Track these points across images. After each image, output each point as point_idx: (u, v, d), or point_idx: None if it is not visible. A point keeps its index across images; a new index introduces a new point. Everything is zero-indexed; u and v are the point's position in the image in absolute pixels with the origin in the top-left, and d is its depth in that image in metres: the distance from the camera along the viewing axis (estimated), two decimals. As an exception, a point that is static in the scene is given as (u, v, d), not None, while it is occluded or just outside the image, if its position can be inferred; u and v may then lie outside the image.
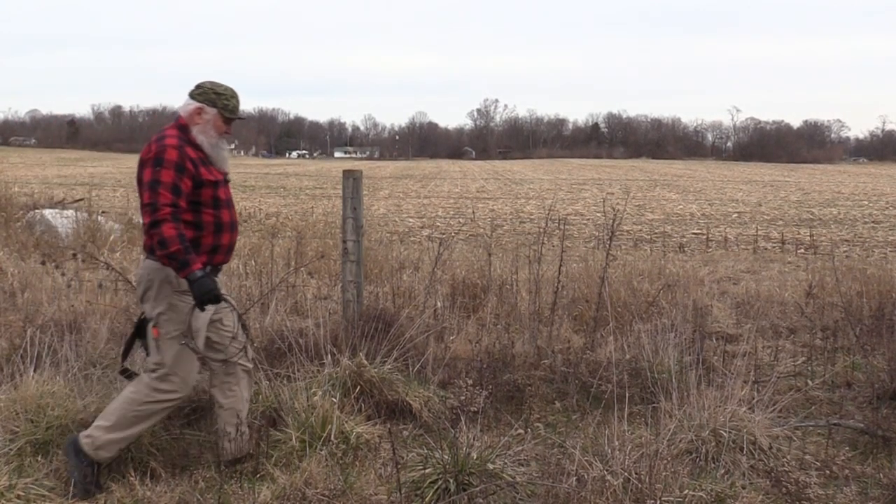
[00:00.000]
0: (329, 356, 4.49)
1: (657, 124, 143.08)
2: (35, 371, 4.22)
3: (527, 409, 4.57)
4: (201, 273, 3.37)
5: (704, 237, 16.04)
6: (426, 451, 3.62)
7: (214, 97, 3.63)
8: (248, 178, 42.61)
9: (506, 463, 3.58)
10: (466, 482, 3.36)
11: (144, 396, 3.54)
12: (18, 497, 3.26)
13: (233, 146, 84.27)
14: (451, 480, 3.35)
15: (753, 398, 4.12)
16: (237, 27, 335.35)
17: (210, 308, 3.52)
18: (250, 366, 3.92)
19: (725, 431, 3.79)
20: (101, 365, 4.46)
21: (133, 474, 3.47)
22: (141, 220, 3.82)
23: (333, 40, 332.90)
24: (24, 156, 74.66)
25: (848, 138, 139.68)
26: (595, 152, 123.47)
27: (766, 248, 14.79)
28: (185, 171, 3.45)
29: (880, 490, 3.57)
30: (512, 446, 3.84)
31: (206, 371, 3.86)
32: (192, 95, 3.64)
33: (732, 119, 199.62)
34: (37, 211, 12.26)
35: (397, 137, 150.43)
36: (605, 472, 3.21)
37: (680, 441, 3.75)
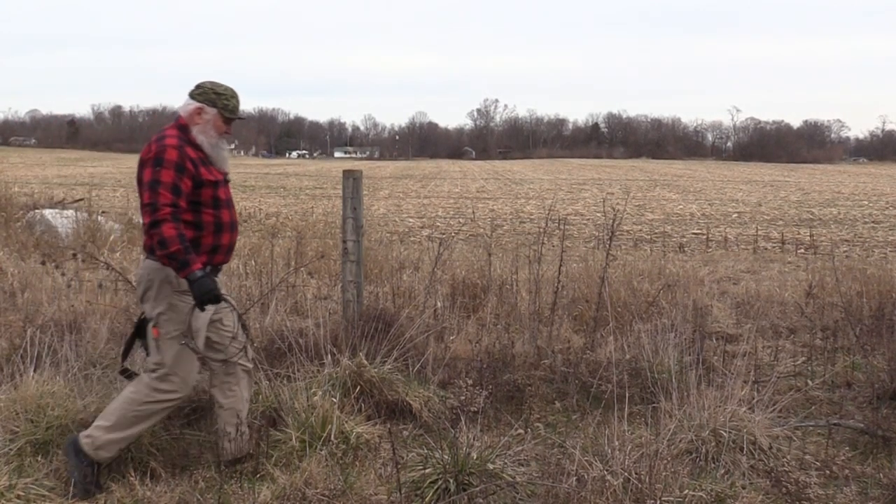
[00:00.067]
0: (329, 356, 4.49)
1: (657, 124, 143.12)
2: (35, 371, 4.22)
3: (527, 409, 4.57)
4: (201, 273, 3.37)
5: (704, 237, 16.04)
6: (426, 451, 3.62)
7: (214, 97, 3.63)
8: (248, 178, 42.62)
9: (506, 463, 3.58)
10: (466, 482, 3.36)
11: (144, 396, 3.54)
12: (18, 497, 3.26)
13: (233, 146, 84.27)
14: (451, 480, 3.36)
15: (753, 398, 4.12)
16: (237, 27, 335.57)
17: (210, 308, 3.52)
18: (250, 366, 3.91)
19: (725, 431, 3.79)
20: (101, 365, 4.46)
21: (133, 474, 3.47)
22: (141, 220, 3.82)
23: (333, 40, 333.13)
24: (24, 156, 74.67)
25: (848, 138, 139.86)
26: (595, 152, 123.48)
27: (766, 248, 14.79)
28: (185, 171, 3.45)
29: (880, 490, 3.57)
30: (512, 446, 3.84)
31: (206, 371, 3.86)
32: (192, 95, 3.64)
33: (732, 119, 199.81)
34: (37, 211, 12.26)
35: (397, 137, 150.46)
36: (605, 472, 3.21)
37: (680, 441, 3.75)
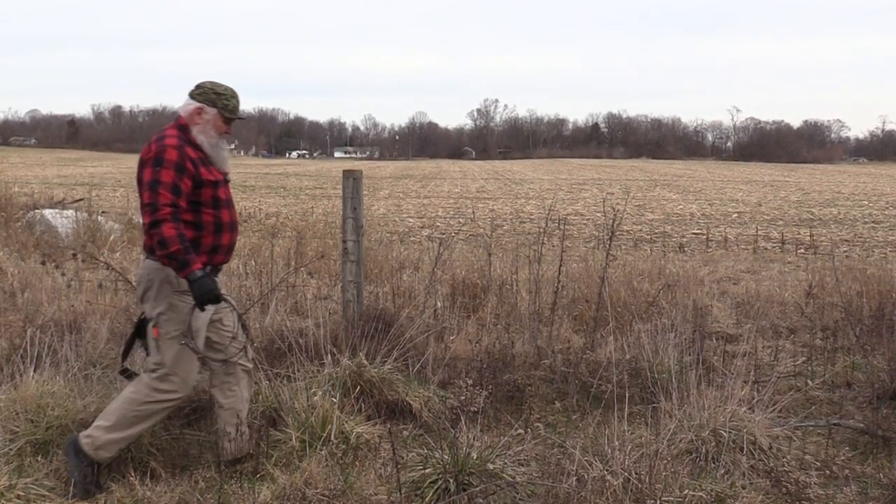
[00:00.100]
0: (329, 356, 4.49)
1: (657, 124, 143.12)
2: (35, 371, 4.22)
3: (527, 409, 4.57)
4: (201, 273, 3.37)
5: (704, 237, 16.04)
6: (426, 451, 3.62)
7: (214, 97, 3.63)
8: (248, 178, 42.62)
9: (506, 463, 3.58)
10: (466, 482, 3.36)
11: (144, 396, 3.54)
12: (18, 497, 3.26)
13: (233, 146, 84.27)
14: (451, 480, 3.36)
15: (753, 398, 4.12)
16: (237, 27, 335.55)
17: (210, 308, 3.52)
18: (250, 366, 3.92)
19: (725, 431, 3.79)
20: (101, 365, 4.46)
21: (133, 474, 3.47)
22: (141, 220, 3.82)
23: (333, 40, 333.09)
24: (24, 156, 74.67)
25: (848, 138, 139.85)
26: (595, 152, 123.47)
27: (766, 248, 14.79)
28: (185, 171, 3.45)
29: (880, 490, 3.57)
30: (512, 446, 3.84)
31: (206, 371, 3.86)
32: (192, 95, 3.64)
33: (732, 119, 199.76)
34: (37, 211, 12.26)
35: (397, 137, 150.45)
36: (605, 472, 3.21)
37: (680, 441, 3.75)
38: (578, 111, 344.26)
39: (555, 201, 22.80)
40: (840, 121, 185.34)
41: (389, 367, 4.50)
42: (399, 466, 3.45)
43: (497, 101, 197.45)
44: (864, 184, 43.75)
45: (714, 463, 3.68)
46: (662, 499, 3.17)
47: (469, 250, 9.62)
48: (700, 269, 9.46)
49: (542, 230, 6.27)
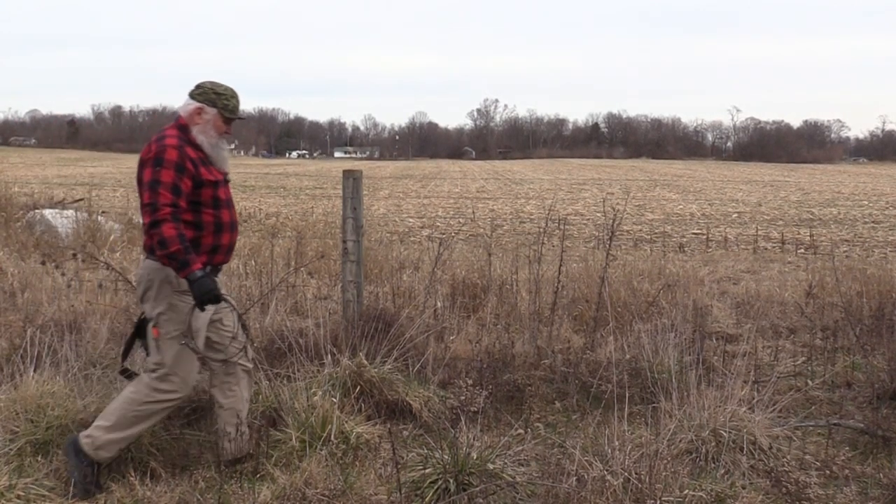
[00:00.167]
0: (329, 356, 4.49)
1: (657, 124, 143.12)
2: (35, 371, 4.22)
3: (527, 409, 4.57)
4: (201, 273, 3.37)
5: (704, 237, 16.04)
6: (426, 451, 3.62)
7: (214, 97, 3.63)
8: (248, 178, 42.62)
9: (506, 463, 3.58)
10: (466, 482, 3.36)
11: (144, 396, 3.54)
12: (18, 497, 3.26)
13: (233, 146, 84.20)
14: (451, 480, 3.35)
15: (753, 398, 4.12)
16: (237, 27, 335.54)
17: (210, 308, 3.52)
18: (250, 366, 3.92)
19: (725, 431, 3.79)
20: (101, 365, 4.46)
21: (133, 474, 3.47)
22: (141, 220, 3.82)
23: (333, 40, 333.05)
24: (24, 156, 74.66)
25: (848, 138, 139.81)
26: (595, 152, 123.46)
27: (766, 248, 14.79)
28: (185, 171, 3.45)
29: (880, 490, 3.57)
30: (512, 446, 3.84)
31: (206, 371, 3.86)
32: (192, 95, 3.64)
33: (732, 119, 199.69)
34: (37, 211, 12.26)
35: (397, 137, 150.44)
36: (605, 472, 3.21)
37: (680, 441, 3.75)
38: (578, 111, 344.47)
39: (555, 201, 22.80)
40: (840, 121, 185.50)
41: (389, 367, 4.50)
42: (399, 466, 3.45)
43: (497, 101, 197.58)
44: (864, 184, 43.76)
45: (714, 463, 3.68)
46: (662, 499, 3.17)
47: (469, 250, 9.62)
48: (700, 269, 9.46)
49: (542, 230, 6.26)
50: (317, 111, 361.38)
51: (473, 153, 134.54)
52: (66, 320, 5.15)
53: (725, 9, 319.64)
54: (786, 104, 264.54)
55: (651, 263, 8.45)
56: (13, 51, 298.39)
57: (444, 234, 15.36)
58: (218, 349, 3.71)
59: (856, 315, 5.98)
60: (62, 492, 3.43)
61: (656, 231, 17.57)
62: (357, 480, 3.53)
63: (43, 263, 7.34)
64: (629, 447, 3.39)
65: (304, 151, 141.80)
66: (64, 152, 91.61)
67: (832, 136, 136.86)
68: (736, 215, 23.11)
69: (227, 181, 3.75)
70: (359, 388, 4.32)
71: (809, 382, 5.00)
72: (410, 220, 20.68)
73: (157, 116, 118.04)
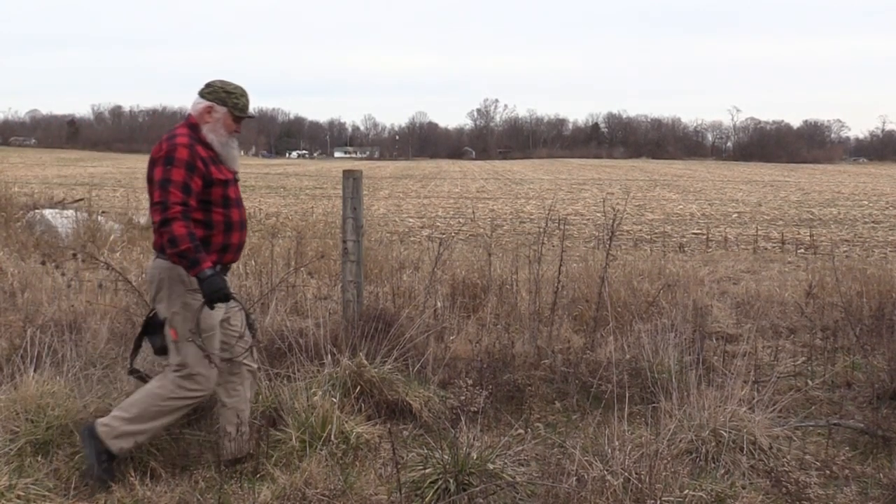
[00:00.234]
0: (329, 356, 4.49)
1: (657, 124, 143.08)
2: (35, 371, 4.22)
3: (527, 409, 4.57)
4: (211, 272, 3.38)
5: (704, 237, 16.04)
6: (426, 451, 3.62)
7: (224, 96, 3.64)
8: (248, 178, 42.57)
9: (506, 463, 3.58)
10: (466, 482, 3.36)
11: (170, 392, 3.55)
12: (18, 497, 3.26)
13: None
14: (451, 480, 3.36)
15: (753, 398, 4.13)
16: (237, 27, 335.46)
17: (220, 307, 3.53)
18: (255, 366, 3.93)
19: (725, 431, 3.79)
20: (101, 365, 4.46)
21: (133, 474, 3.47)
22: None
23: (333, 40, 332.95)
24: (24, 156, 74.64)
25: (848, 138, 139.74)
26: (595, 152, 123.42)
27: (766, 248, 14.79)
28: (195, 170, 3.46)
29: (880, 490, 3.57)
30: (512, 446, 3.84)
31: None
32: (203, 94, 3.65)
33: (732, 119, 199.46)
34: (37, 211, 12.26)
35: (397, 137, 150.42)
36: (605, 472, 3.21)
37: (680, 441, 3.75)
38: (578, 111, 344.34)
39: (555, 201, 22.78)
40: (840, 121, 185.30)
41: (389, 367, 4.50)
42: (399, 466, 3.45)
43: (497, 101, 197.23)
44: (864, 184, 43.75)
45: (714, 463, 3.68)
46: (662, 499, 3.17)
47: (469, 250, 9.62)
48: (700, 269, 9.46)
49: (542, 230, 6.27)
50: (317, 111, 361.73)
51: (473, 153, 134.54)
52: (66, 320, 5.15)
53: (725, 9, 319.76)
54: (786, 104, 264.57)
55: (651, 263, 8.45)
56: (13, 51, 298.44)
57: (444, 234, 15.36)
58: (224, 348, 3.72)
59: (856, 315, 5.98)
60: (63, 492, 3.43)
61: (656, 231, 17.57)
62: (357, 480, 3.53)
63: (43, 263, 7.34)
64: (629, 447, 3.40)
65: (304, 151, 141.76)
66: (64, 152, 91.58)
67: (832, 136, 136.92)
68: (736, 215, 23.11)
69: (236, 180, 3.76)
70: (359, 388, 4.32)
71: (809, 382, 5.00)
72: (410, 220, 20.68)
73: (157, 116, 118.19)
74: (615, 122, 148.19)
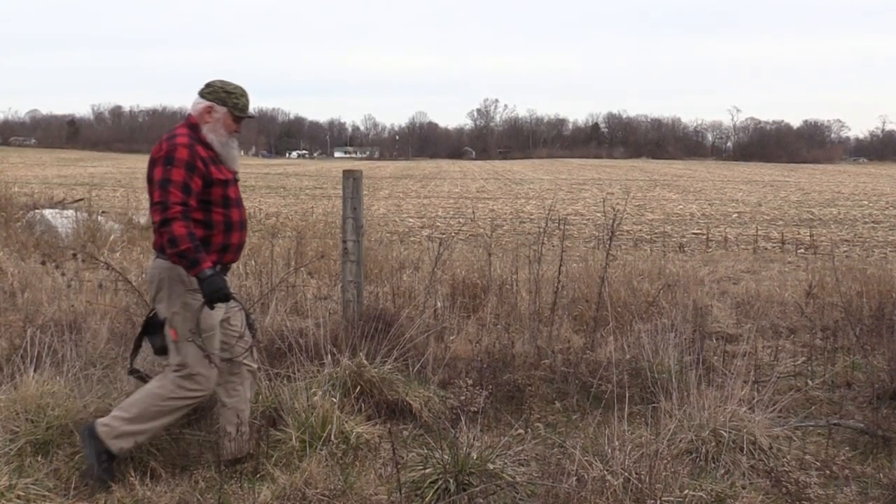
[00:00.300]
0: (329, 356, 4.49)
1: (657, 124, 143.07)
2: (35, 371, 4.22)
3: (527, 409, 4.57)
4: (211, 272, 3.38)
5: (704, 237, 16.03)
6: (426, 451, 3.62)
7: (224, 96, 3.64)
8: (248, 178, 42.56)
9: (506, 463, 3.58)
10: (466, 482, 3.36)
11: (170, 392, 3.55)
12: (18, 497, 3.26)
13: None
14: (451, 480, 3.36)
15: (753, 398, 4.13)
16: (237, 27, 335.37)
17: (220, 307, 3.53)
18: (255, 366, 3.93)
19: (725, 431, 3.79)
20: (101, 365, 4.46)
21: (133, 474, 3.47)
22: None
23: (333, 40, 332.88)
24: (24, 156, 74.63)
25: (848, 138, 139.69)
26: (595, 152, 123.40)
27: (766, 248, 14.79)
28: (195, 170, 3.46)
29: (880, 490, 3.57)
30: (512, 446, 3.84)
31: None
32: (203, 94, 3.65)
33: (732, 119, 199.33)
34: (37, 211, 12.26)
35: (397, 137, 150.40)
36: (605, 472, 3.21)
37: (680, 441, 3.75)
38: (578, 111, 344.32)
39: (555, 201, 22.78)
40: (840, 121, 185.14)
41: (389, 367, 4.50)
42: (399, 466, 3.45)
43: (497, 101, 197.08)
44: (864, 184, 43.75)
45: (714, 463, 3.68)
46: (662, 499, 3.17)
47: (469, 250, 9.62)
48: (700, 269, 9.46)
49: (542, 230, 6.26)
50: (317, 111, 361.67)
51: (473, 153, 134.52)
52: (66, 320, 5.15)
53: (725, 9, 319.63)
54: (786, 104, 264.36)
55: (651, 263, 8.45)
56: (13, 51, 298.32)
57: (444, 234, 15.36)
58: (224, 348, 3.72)
59: (856, 315, 5.98)
60: (63, 492, 3.43)
61: (656, 231, 17.57)
62: (357, 480, 3.53)
63: (43, 263, 7.33)
64: (629, 447, 3.40)
65: (304, 151, 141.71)
66: (64, 152, 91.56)
67: (832, 136, 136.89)
68: (736, 215, 23.11)
69: (236, 180, 3.76)
70: (359, 388, 4.32)
71: (809, 382, 5.00)
72: (410, 220, 20.68)
73: (157, 116, 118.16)
74: (615, 122, 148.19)
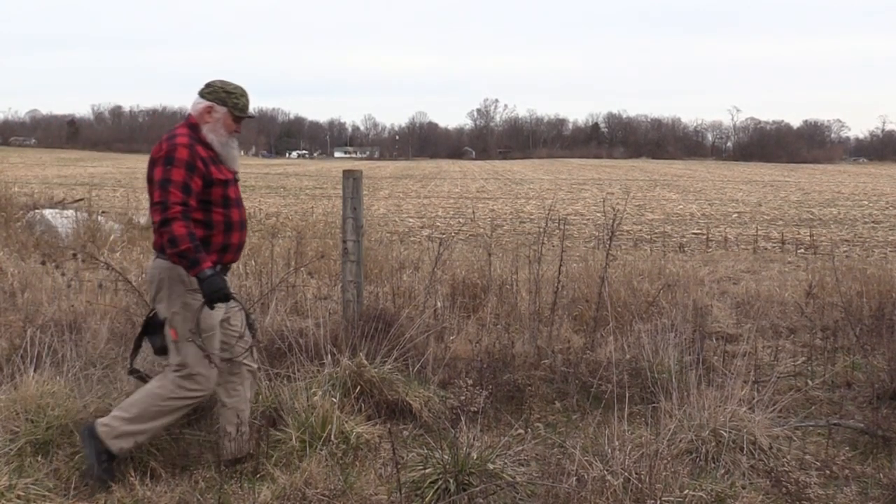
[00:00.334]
0: (329, 356, 4.49)
1: (657, 124, 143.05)
2: (35, 371, 4.22)
3: (527, 409, 4.57)
4: (211, 272, 3.39)
5: (704, 237, 16.03)
6: (426, 451, 3.62)
7: (224, 95, 3.64)
8: (248, 178, 42.55)
9: (506, 463, 3.58)
10: (466, 482, 3.36)
11: (170, 392, 3.55)
12: (18, 497, 3.26)
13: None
14: (451, 480, 3.36)
15: (753, 398, 4.13)
16: (237, 27, 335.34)
17: (220, 307, 3.53)
18: (255, 366, 3.93)
19: (725, 431, 3.79)
20: (101, 365, 4.46)
21: (133, 474, 3.47)
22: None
23: (333, 40, 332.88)
24: (24, 156, 74.62)
25: (848, 138, 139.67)
26: (595, 152, 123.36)
27: (766, 248, 14.79)
28: (195, 170, 3.46)
29: (880, 490, 3.57)
30: (512, 446, 3.84)
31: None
32: (203, 94, 3.65)
33: (732, 119, 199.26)
34: (37, 211, 12.26)
35: (397, 137, 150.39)
36: (605, 472, 3.21)
37: (680, 441, 3.75)
38: (578, 111, 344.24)
39: (555, 201, 22.79)
40: (840, 121, 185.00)
41: (389, 367, 4.50)
42: (399, 466, 3.45)
43: (497, 101, 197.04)
44: (864, 184, 43.75)
45: (714, 463, 3.68)
46: (662, 499, 3.17)
47: (469, 250, 9.62)
48: (700, 269, 9.46)
49: (542, 230, 6.26)
50: (317, 111, 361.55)
51: (473, 153, 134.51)
52: (66, 320, 5.15)
53: (725, 9, 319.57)
54: (786, 104, 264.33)
55: (651, 263, 8.45)
56: (13, 51, 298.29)
57: (444, 234, 15.36)
58: (224, 348, 3.72)
59: (856, 315, 5.98)
60: (63, 492, 3.43)
61: (656, 231, 17.57)
62: (357, 480, 3.53)
63: (43, 263, 7.33)
64: (629, 447, 3.40)
65: (304, 151, 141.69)
66: (64, 152, 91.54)
67: (832, 136, 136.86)
68: (736, 215, 23.11)
69: (236, 180, 3.76)
70: (359, 388, 4.32)
71: (809, 382, 5.00)
72: (410, 220, 20.68)
73: (157, 116, 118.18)
74: (615, 122, 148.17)
